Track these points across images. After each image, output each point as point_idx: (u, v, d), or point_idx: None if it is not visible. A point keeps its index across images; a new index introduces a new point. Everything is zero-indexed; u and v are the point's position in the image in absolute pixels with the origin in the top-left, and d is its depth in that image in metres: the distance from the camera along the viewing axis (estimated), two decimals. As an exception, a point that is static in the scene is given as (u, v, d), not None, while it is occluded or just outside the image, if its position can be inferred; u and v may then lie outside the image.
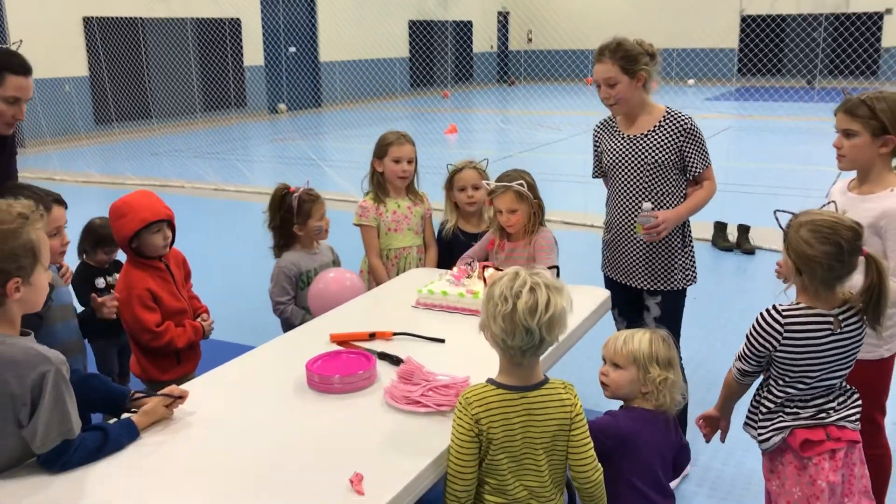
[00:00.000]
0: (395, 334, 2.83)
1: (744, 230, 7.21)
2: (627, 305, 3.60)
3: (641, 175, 3.39)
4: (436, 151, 13.21)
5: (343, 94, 20.97)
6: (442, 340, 2.79)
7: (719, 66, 22.91)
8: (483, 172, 3.83)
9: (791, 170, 10.68)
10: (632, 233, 3.42)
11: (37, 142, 13.94)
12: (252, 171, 11.67)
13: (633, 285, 3.51)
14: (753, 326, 2.43)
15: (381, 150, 3.85)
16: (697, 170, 3.36)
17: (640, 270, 3.48)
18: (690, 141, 3.34)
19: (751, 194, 9.16)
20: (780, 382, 2.43)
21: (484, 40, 27.90)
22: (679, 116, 3.38)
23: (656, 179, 3.37)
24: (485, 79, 28.46)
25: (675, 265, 3.44)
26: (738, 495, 3.45)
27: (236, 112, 18.19)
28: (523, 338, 1.98)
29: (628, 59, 3.26)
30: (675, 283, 3.46)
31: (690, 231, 3.53)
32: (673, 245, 3.44)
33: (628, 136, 3.44)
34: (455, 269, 3.30)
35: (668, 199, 3.39)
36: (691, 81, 23.37)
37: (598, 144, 3.61)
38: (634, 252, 3.47)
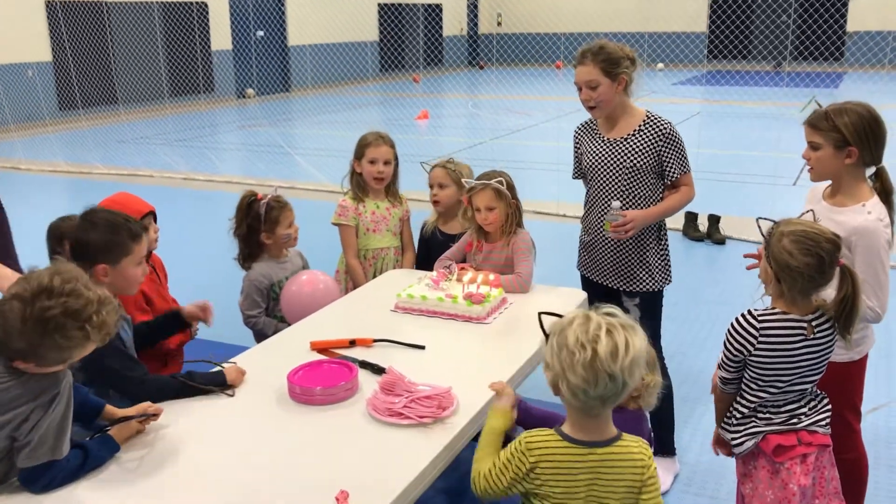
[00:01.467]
0: (375, 341, 2.84)
1: (714, 220, 7.29)
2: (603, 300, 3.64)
3: (619, 178, 3.42)
4: (407, 139, 13.23)
5: (312, 79, 20.80)
6: (422, 347, 2.80)
7: (688, 50, 23.05)
8: (452, 171, 3.82)
9: (760, 157, 10.81)
10: (605, 236, 3.47)
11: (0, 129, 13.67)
12: (222, 160, 11.56)
13: (612, 286, 3.55)
14: (729, 331, 2.47)
15: (359, 150, 3.84)
16: (675, 174, 3.40)
17: (617, 272, 3.52)
18: (669, 146, 3.37)
19: (721, 182, 9.26)
20: (754, 387, 2.48)
21: (454, 23, 27.78)
22: (659, 121, 3.40)
23: (633, 183, 3.41)
24: (455, 62, 28.37)
25: (652, 266, 3.48)
26: (728, 492, 3.52)
27: (204, 97, 17.95)
28: (606, 385, 1.82)
29: (610, 61, 3.28)
30: (653, 284, 3.50)
31: (666, 233, 3.57)
32: (647, 246, 3.47)
33: (608, 139, 3.46)
34: (434, 272, 3.31)
35: (644, 202, 3.43)
36: (660, 66, 23.49)
37: (578, 146, 3.63)
38: (612, 254, 3.51)
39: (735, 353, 2.46)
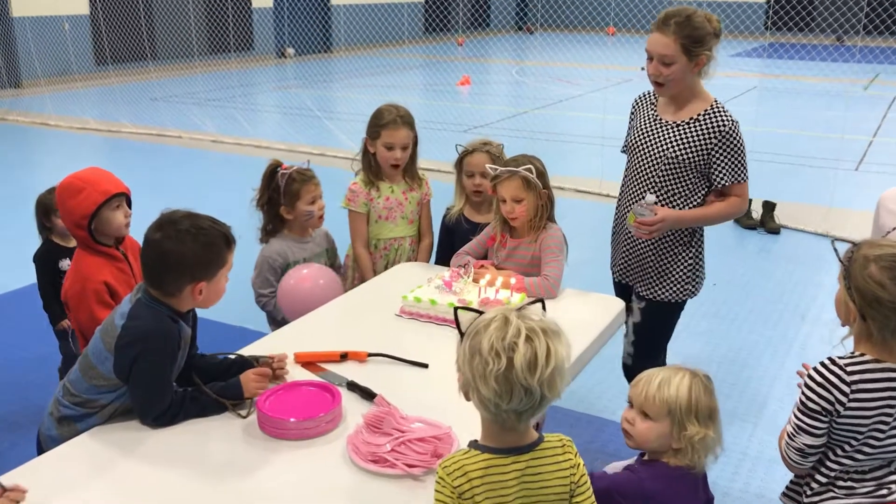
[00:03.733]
0: (370, 356, 2.42)
1: (769, 207, 6.71)
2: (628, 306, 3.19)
3: (658, 167, 2.96)
4: (447, 105, 12.75)
5: (354, 39, 20.29)
6: (425, 366, 2.37)
7: (746, 18, 22.02)
8: (496, 157, 3.36)
9: (820, 138, 10.10)
10: (630, 230, 3.03)
11: (31, 82, 13.46)
12: (253, 122, 11.18)
13: (622, 281, 3.14)
14: (809, 387, 1.96)
15: (374, 130, 3.37)
16: (723, 181, 2.92)
17: (630, 267, 3.11)
18: (722, 146, 2.89)
19: (777, 165, 8.62)
20: (838, 452, 2.00)
21: (502, -16, 26.99)
22: (719, 115, 2.91)
23: (672, 176, 2.95)
24: (502, 25, 27.59)
25: (671, 274, 3.04)
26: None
27: (242, 56, 17.59)
28: (521, 399, 1.56)
29: (693, 38, 2.81)
30: (667, 293, 3.05)
31: (701, 240, 3.10)
32: (672, 251, 3.03)
33: (661, 119, 3.00)
34: (447, 271, 2.86)
35: (680, 201, 2.98)
36: (716, 35, 22.48)
37: (633, 117, 3.19)
38: (629, 247, 3.10)
39: (820, 415, 1.95)
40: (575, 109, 12.41)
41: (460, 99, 13.59)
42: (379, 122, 3.35)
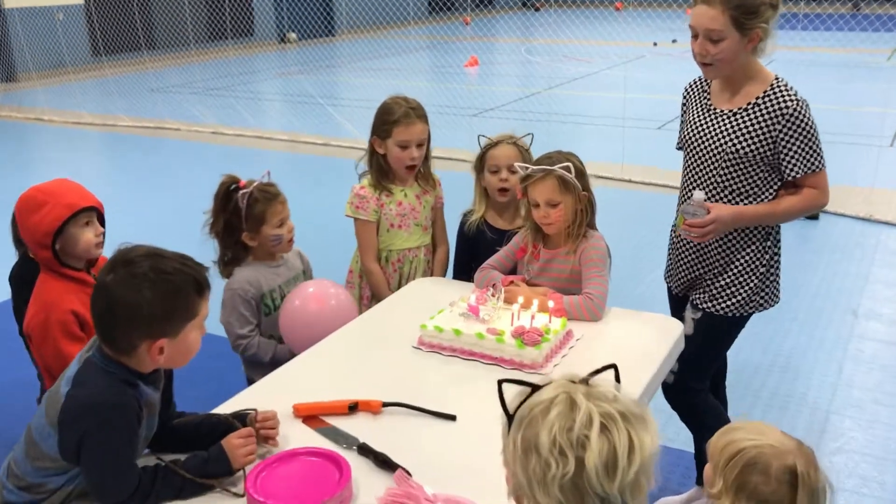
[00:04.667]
0: (385, 405, 2.00)
1: (807, 190, 6.24)
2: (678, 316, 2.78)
3: (718, 165, 2.53)
4: (455, 88, 12.27)
5: (357, 22, 19.75)
6: (452, 417, 1.95)
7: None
8: (525, 153, 2.93)
9: (845, 112, 9.58)
10: (677, 228, 2.63)
11: (26, 75, 13.05)
12: (255, 112, 10.73)
13: (675, 290, 2.74)
14: None
15: (384, 128, 2.92)
16: (795, 172, 2.47)
17: (687, 274, 2.69)
18: (789, 131, 2.44)
19: (808, 142, 8.12)
20: None
21: (507, -39, 26.35)
22: (783, 95, 2.45)
23: (736, 174, 2.52)
24: (508, 2, 26.96)
25: (738, 283, 2.60)
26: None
27: (242, 42, 17.11)
28: None
29: (746, 9, 2.36)
30: (728, 305, 2.62)
31: (777, 242, 2.66)
32: (741, 253, 2.60)
33: (716, 109, 2.57)
34: (472, 294, 2.44)
35: (745, 201, 2.55)
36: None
37: (684, 109, 2.76)
38: (689, 252, 2.67)
39: None
40: (590, 89, 11.91)
41: (469, 81, 13.11)
42: (389, 119, 2.91)
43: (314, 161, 8.04)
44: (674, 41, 15.16)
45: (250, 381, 2.73)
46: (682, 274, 2.73)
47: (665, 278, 2.88)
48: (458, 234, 3.08)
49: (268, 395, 2.10)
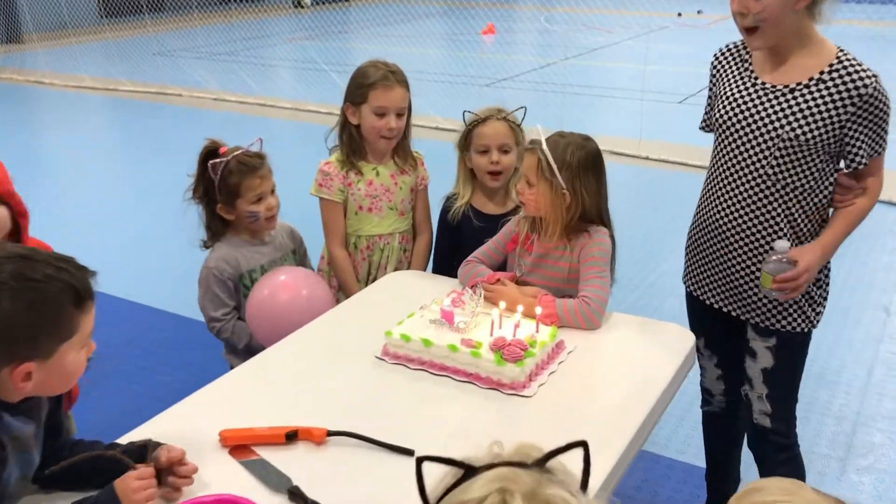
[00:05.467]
0: (330, 434, 1.67)
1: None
2: (721, 337, 2.39)
3: (768, 151, 2.11)
4: (471, 57, 11.83)
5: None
6: (409, 452, 1.61)
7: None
8: (517, 127, 2.57)
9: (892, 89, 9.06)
10: (731, 240, 2.21)
11: (32, 36, 12.71)
12: (260, 79, 10.34)
13: (731, 313, 2.30)
14: None
15: (358, 92, 2.57)
16: (863, 160, 2.07)
17: (741, 293, 2.25)
18: (864, 114, 2.02)
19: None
20: None
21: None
22: (856, 71, 2.02)
23: (792, 164, 2.09)
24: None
25: (807, 294, 2.21)
26: None
27: (256, 5, 16.66)
28: None
29: None
30: (803, 319, 2.22)
31: None
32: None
33: (763, 84, 2.13)
34: (447, 296, 2.09)
35: (801, 197, 2.13)
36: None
37: (714, 81, 2.32)
38: (731, 267, 2.24)
39: None
40: (610, 59, 11.44)
41: (484, 49, 12.66)
42: (364, 82, 2.55)
43: (319, 130, 7.69)
44: (699, 12, 14.61)
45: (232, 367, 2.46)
46: (719, 280, 2.30)
47: (686, 283, 2.47)
48: (439, 221, 2.72)
49: (193, 416, 1.77)
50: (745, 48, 2.22)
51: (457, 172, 2.71)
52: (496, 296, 2.11)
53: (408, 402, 1.82)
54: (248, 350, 2.37)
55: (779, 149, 2.08)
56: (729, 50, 2.28)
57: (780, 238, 2.11)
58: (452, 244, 2.62)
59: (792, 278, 2.06)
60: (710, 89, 2.35)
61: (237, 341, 2.46)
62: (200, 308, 2.49)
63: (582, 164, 2.15)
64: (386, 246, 2.68)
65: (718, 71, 2.30)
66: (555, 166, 2.13)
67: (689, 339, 2.09)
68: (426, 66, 9.76)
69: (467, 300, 2.04)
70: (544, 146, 2.14)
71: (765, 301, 2.20)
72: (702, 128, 2.40)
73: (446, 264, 2.60)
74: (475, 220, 2.61)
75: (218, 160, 2.37)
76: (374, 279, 2.62)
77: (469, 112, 2.62)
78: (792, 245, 2.11)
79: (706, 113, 2.37)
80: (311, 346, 2.09)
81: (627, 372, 1.93)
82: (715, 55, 2.32)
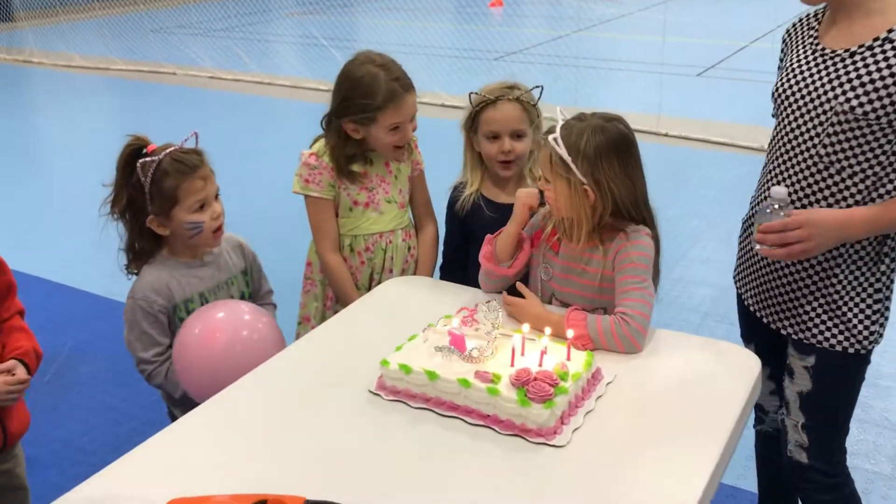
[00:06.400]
0: (308, 505, 1.30)
1: None
2: (767, 350, 2.01)
3: (822, 130, 1.73)
4: (478, 31, 11.35)
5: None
6: (409, 531, 1.24)
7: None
8: (532, 108, 2.18)
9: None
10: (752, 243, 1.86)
11: (25, 14, 12.28)
12: (257, 55, 9.90)
13: (771, 324, 1.94)
14: None
15: (365, 116, 2.13)
16: None
17: (779, 302, 1.89)
18: None
19: None
20: None
21: None
22: None
23: (850, 146, 1.71)
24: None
25: (858, 306, 1.81)
26: None
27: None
28: None
29: None
30: (848, 337, 1.83)
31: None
32: (855, 267, 1.80)
33: (823, 49, 1.77)
34: (457, 314, 1.71)
35: (870, 190, 1.73)
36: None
37: (782, 57, 1.98)
38: (774, 270, 1.88)
39: None
40: (623, 31, 10.97)
41: (492, 22, 12.19)
42: (373, 103, 2.11)
43: (320, 109, 7.31)
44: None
45: (172, 417, 2.08)
46: (761, 285, 1.96)
47: (736, 282, 2.11)
48: (446, 214, 2.34)
49: (132, 480, 1.40)
50: (815, 16, 1.87)
51: (463, 157, 2.33)
52: (516, 310, 1.74)
53: (408, 455, 1.44)
54: (186, 400, 1.94)
55: (832, 125, 1.71)
56: (800, 21, 1.92)
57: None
58: (462, 238, 2.24)
59: (776, 229, 1.68)
60: (780, 66, 1.98)
61: (172, 388, 2.01)
62: (127, 347, 2.04)
63: (602, 152, 1.74)
64: (388, 245, 2.28)
65: (787, 45, 1.94)
66: (568, 158, 1.74)
67: (753, 364, 1.69)
68: (432, 41, 9.35)
69: (482, 318, 1.66)
70: (555, 135, 1.76)
71: (806, 309, 1.82)
72: (774, 115, 2.02)
73: (457, 262, 2.23)
74: (487, 209, 2.22)
75: (148, 159, 1.92)
76: (379, 284, 2.24)
77: (475, 93, 2.22)
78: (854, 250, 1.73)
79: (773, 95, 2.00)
80: (284, 381, 1.70)
81: (682, 409, 1.55)
82: (787, 30, 1.97)
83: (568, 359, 1.57)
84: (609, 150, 1.76)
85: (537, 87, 2.24)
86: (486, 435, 1.47)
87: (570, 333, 1.62)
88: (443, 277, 2.33)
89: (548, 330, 1.60)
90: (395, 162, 2.27)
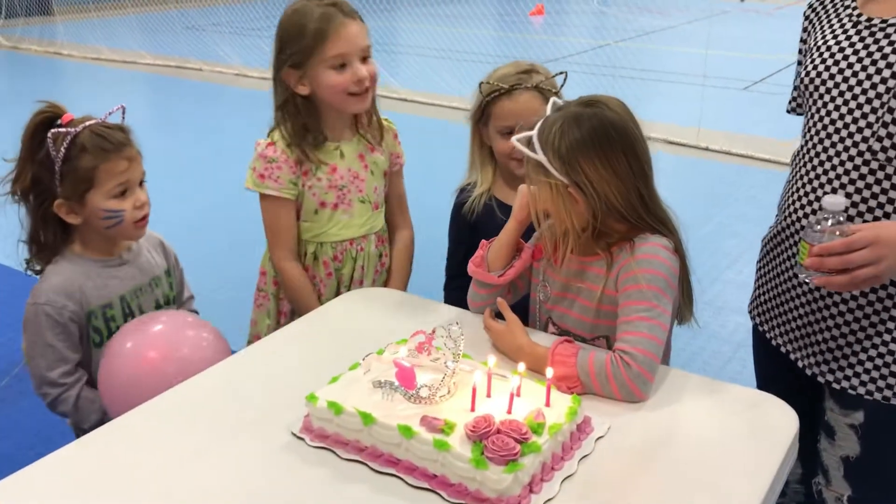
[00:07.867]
0: None
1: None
2: (796, 393, 1.62)
3: (873, 117, 1.37)
4: (520, 38, 11.04)
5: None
6: None
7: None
8: (554, 96, 1.83)
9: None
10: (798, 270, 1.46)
11: (64, 9, 12.24)
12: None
13: (806, 368, 1.57)
14: None
15: (302, 50, 1.80)
16: None
17: (815, 338, 1.53)
18: None
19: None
20: None
21: None
22: None
23: None
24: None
25: None
26: None
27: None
28: None
29: None
30: None
31: None
32: None
33: (869, 20, 1.42)
34: (411, 338, 1.36)
35: None
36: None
37: (805, 38, 1.61)
38: (808, 297, 1.52)
39: None
40: (665, 43, 10.59)
41: (532, 31, 11.89)
42: (305, 31, 1.78)
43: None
44: (764, -4, 13.70)
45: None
46: (801, 334, 1.57)
47: (752, 312, 1.74)
48: (451, 219, 2.00)
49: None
50: None
51: (470, 154, 1.99)
52: (494, 338, 1.39)
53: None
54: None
55: (889, 111, 1.35)
56: None
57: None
58: (471, 248, 1.91)
59: (835, 251, 1.29)
60: (801, 52, 1.62)
61: (82, 419, 1.67)
62: (26, 363, 1.69)
63: (576, 148, 1.39)
64: (360, 253, 1.94)
65: (812, 23, 1.59)
66: (543, 158, 1.40)
67: (790, 422, 1.32)
68: (472, 47, 9.11)
69: (441, 344, 1.31)
70: (531, 132, 1.42)
71: (854, 350, 1.45)
72: (789, 110, 1.71)
73: (464, 277, 1.90)
74: (499, 213, 1.87)
75: (62, 129, 1.61)
76: None
77: (487, 83, 1.88)
78: None
79: (794, 89, 1.67)
80: (192, 410, 1.36)
81: (692, 479, 1.18)
82: (810, 3, 1.61)
83: (547, 404, 1.22)
84: (584, 145, 1.40)
85: (561, 73, 1.90)
86: (431, 501, 1.13)
87: (549, 372, 1.26)
88: (447, 298, 1.97)
89: (521, 365, 1.25)
90: (357, 111, 1.89)
